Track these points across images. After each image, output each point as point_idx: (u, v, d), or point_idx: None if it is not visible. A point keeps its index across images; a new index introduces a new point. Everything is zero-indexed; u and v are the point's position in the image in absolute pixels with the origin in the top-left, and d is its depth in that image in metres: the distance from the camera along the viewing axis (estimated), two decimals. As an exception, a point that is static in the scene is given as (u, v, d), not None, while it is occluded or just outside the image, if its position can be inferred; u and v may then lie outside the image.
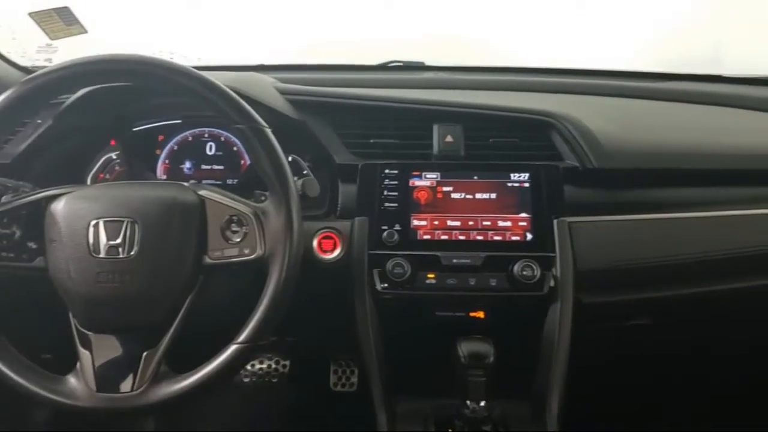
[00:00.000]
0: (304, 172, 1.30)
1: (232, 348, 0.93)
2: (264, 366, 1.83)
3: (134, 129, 1.36)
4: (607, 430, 1.50)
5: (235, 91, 0.99)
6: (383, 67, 1.78)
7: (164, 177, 1.35)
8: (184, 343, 0.96)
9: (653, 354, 1.45)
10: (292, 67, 1.73)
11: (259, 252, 0.94)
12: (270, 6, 2.21)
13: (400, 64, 1.79)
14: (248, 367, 1.82)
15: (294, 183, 0.95)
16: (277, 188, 0.94)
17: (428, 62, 1.78)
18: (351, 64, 1.77)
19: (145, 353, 0.94)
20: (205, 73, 0.96)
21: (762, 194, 1.26)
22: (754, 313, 1.32)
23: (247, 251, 0.94)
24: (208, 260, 0.96)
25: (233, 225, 0.95)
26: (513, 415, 1.12)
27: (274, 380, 1.82)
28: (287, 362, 1.83)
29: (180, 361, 0.97)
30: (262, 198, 0.99)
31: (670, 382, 1.57)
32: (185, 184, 1.00)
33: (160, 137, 1.37)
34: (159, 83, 0.96)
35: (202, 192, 0.97)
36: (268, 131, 0.96)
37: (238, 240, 0.95)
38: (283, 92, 1.25)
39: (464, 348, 1.05)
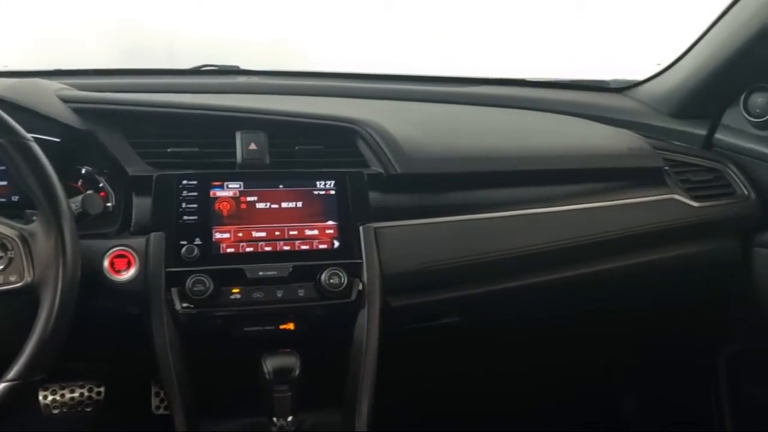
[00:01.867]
0: (100, 185, 1.20)
1: (0, 387, 0.83)
2: (75, 395, 1.68)
3: None
4: (420, 430, 1.54)
5: (4, 101, 0.88)
6: (195, 72, 1.70)
7: None
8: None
9: (464, 352, 1.50)
10: (96, 72, 1.61)
11: (27, 279, 0.85)
12: (81, 6, 2.05)
13: (214, 68, 1.73)
14: (57, 397, 1.66)
15: (65, 201, 0.87)
16: (46, 207, 0.86)
17: (246, 66, 1.73)
18: (160, 68, 1.68)
19: None
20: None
21: (557, 193, 1.34)
22: (554, 305, 1.41)
23: (13, 278, 0.85)
24: None
25: None
26: (323, 425, 1.10)
27: (89, 409, 1.68)
28: (102, 389, 1.70)
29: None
30: (34, 218, 0.89)
31: (483, 379, 1.63)
32: None
33: None
34: None
35: None
36: (32, 145, 0.87)
37: (2, 267, 0.85)
38: (66, 100, 1.15)
39: (268, 363, 1.02)
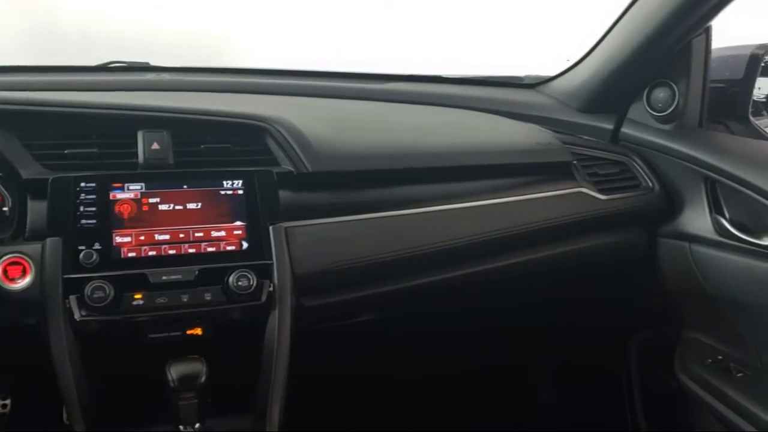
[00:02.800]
0: (-8, 189, 1.13)
1: None
2: (-22, 410, 1.59)
3: None
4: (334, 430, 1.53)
5: None
6: (102, 69, 1.64)
7: None
8: None
9: (380, 350, 1.50)
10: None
11: None
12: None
13: (123, 64, 1.66)
14: (-42, 414, 1.57)
15: None
16: None
17: (159, 63, 1.68)
18: (65, 65, 1.60)
19: None
20: None
21: (468, 189, 1.35)
22: (469, 299, 1.42)
23: None
24: None
25: None
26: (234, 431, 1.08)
27: (-7, 424, 1.60)
28: (7, 401, 1.61)
29: None
30: None
31: (398, 376, 1.64)
32: None
33: None
34: None
35: None
36: None
37: None
38: (-50, 99, 1.08)
39: (173, 371, 0.99)
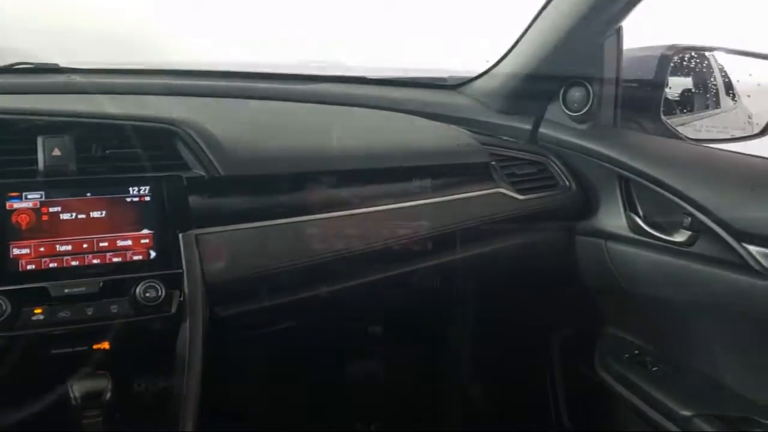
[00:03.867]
0: None
1: None
2: None
3: None
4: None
5: None
6: (7, 70, 1.55)
7: None
8: None
9: (302, 357, 1.48)
10: None
11: None
12: None
13: (30, 65, 1.58)
14: None
15: None
16: None
17: (72, 64, 1.60)
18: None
19: None
20: None
21: (387, 191, 1.34)
22: (391, 302, 1.42)
23: None
24: None
25: None
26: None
27: None
28: None
29: None
30: None
31: (326, 382, 1.62)
32: None
33: None
34: None
35: None
36: None
37: None
38: None
39: (75, 388, 0.94)
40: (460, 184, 1.39)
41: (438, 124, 1.53)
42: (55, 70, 1.58)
